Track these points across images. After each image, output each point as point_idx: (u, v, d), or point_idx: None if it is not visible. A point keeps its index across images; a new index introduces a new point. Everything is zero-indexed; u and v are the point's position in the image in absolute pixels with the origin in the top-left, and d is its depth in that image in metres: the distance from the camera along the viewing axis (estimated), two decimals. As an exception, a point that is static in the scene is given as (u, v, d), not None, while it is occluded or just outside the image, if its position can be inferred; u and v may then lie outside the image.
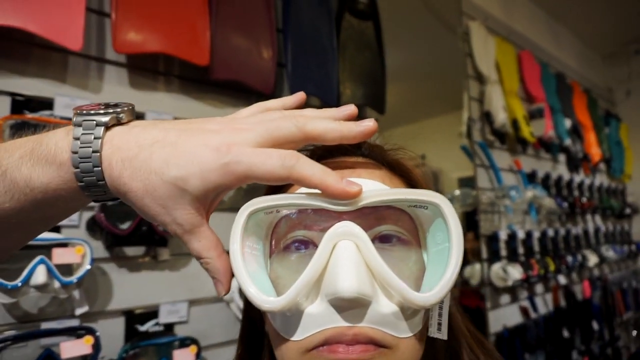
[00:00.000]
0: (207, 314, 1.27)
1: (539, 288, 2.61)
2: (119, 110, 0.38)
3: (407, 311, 0.40)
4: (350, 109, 0.43)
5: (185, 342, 1.12)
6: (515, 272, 2.21)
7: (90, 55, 1.12)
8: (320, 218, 0.42)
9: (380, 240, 0.43)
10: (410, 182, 0.51)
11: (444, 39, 2.43)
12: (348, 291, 0.35)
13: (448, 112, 2.50)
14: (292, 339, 0.40)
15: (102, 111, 0.38)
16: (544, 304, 2.62)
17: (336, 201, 0.38)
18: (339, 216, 0.40)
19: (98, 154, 0.36)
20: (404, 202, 0.42)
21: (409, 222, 0.45)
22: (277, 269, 0.43)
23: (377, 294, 0.38)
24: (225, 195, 0.43)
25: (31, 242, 0.95)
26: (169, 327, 1.17)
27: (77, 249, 0.97)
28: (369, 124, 0.40)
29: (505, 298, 2.33)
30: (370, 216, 0.42)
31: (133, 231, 1.07)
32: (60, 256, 0.94)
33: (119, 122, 0.38)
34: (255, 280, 0.39)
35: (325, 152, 0.52)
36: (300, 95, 0.51)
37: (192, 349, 1.12)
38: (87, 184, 0.36)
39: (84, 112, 0.38)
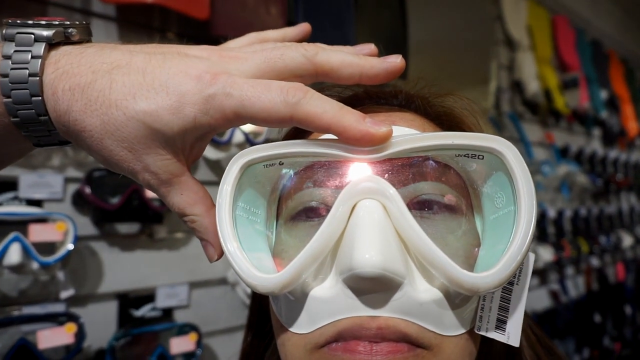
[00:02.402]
0: (211, 297, 1.16)
1: (570, 270, 2.45)
2: (67, 23, 0.30)
3: (455, 299, 0.30)
4: (370, 47, 0.36)
5: (184, 329, 1.01)
6: (546, 254, 2.06)
7: (73, 7, 0.99)
8: (337, 172, 0.32)
9: (419, 205, 0.32)
10: None
11: (470, 3, 2.23)
12: (368, 266, 0.26)
13: (472, 87, 2.32)
14: (298, 331, 0.32)
15: (43, 22, 0.29)
16: (575, 287, 2.46)
17: (357, 148, 0.29)
18: (364, 170, 0.31)
19: (37, 78, 0.28)
20: (450, 150, 0.31)
21: (456, 181, 0.34)
22: (281, 241, 0.35)
23: (413, 275, 0.29)
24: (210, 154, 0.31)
25: (5, 217, 0.85)
26: (167, 312, 1.07)
27: (58, 225, 0.85)
28: (395, 60, 0.33)
29: (533, 280, 2.18)
30: (405, 171, 0.32)
31: (123, 206, 0.95)
32: (37, 233, 0.83)
33: (67, 40, 0.30)
34: (249, 252, 0.31)
35: (351, 100, 0.42)
36: (304, 27, 0.43)
37: (192, 336, 1.01)
38: (23, 119, 0.28)
39: (19, 23, 0.29)
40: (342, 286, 0.29)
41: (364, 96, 0.44)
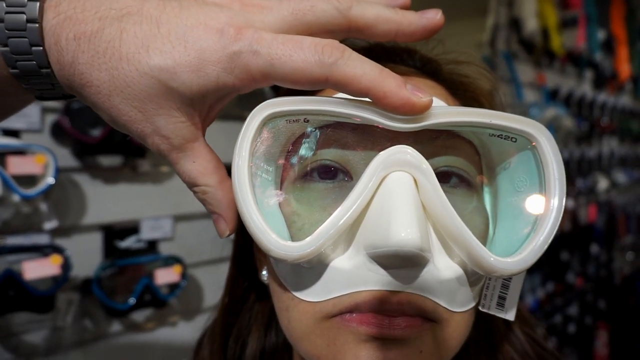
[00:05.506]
0: (195, 230, 1.18)
1: (545, 211, 2.54)
2: None
3: (470, 278, 0.31)
4: None
5: (168, 261, 1.04)
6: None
7: None
8: (365, 137, 0.31)
9: (439, 177, 0.30)
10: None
11: None
12: (407, 245, 0.25)
13: (470, 18, 2.22)
14: (307, 299, 0.31)
15: None
16: (548, 227, 2.56)
17: (393, 115, 0.27)
18: (393, 137, 0.30)
19: (36, 25, 0.25)
20: (485, 129, 0.30)
21: (475, 158, 0.33)
22: (293, 203, 0.32)
23: (435, 251, 0.30)
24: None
25: (-19, 149, 0.82)
26: (152, 244, 1.08)
27: (37, 157, 0.83)
28: (435, 16, 0.30)
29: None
30: (431, 143, 0.31)
31: (105, 139, 0.92)
32: (17, 165, 0.81)
33: None
34: (265, 215, 0.29)
35: (365, 54, 0.39)
36: None
37: (177, 268, 1.04)
38: (23, 71, 0.26)
39: None
40: (365, 259, 0.29)
41: (380, 51, 0.41)
